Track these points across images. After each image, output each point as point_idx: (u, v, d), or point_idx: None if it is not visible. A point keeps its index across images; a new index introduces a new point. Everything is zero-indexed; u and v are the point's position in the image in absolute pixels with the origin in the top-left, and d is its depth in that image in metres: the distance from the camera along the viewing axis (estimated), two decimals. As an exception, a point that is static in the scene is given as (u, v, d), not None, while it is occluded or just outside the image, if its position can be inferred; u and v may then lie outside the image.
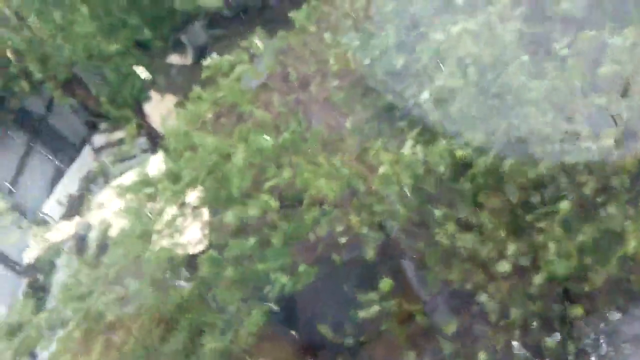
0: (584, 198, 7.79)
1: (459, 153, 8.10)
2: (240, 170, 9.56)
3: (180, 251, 10.10)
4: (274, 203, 9.40)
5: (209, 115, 10.48)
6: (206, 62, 10.88)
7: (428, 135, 8.40)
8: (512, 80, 7.66)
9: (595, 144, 7.24)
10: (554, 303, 8.48)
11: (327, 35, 9.16)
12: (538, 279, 8.19)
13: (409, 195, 8.67)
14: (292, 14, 9.79)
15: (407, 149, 8.51)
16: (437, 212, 8.71)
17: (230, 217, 9.47)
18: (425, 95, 7.98)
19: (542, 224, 8.04)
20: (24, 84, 14.41)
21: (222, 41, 14.60)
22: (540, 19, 7.47)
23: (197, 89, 11.17)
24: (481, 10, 7.85)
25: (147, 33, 14.14)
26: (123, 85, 14.46)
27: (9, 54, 13.82)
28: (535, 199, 8.14)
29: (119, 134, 14.80)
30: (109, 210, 12.22)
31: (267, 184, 9.57)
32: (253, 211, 9.39)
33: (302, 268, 9.61)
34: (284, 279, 9.57)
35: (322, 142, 9.55)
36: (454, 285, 9.06)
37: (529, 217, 8.12)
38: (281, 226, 9.54)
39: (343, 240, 9.48)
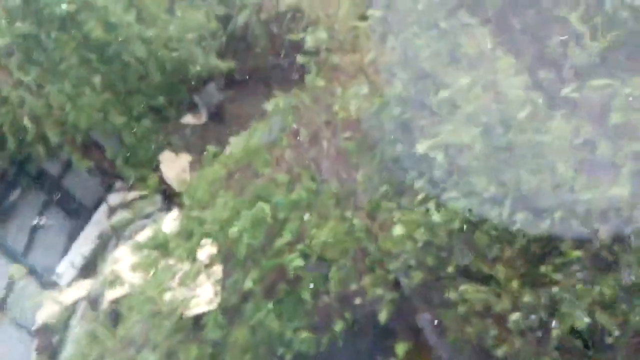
0: (600, 247, 7.64)
1: (473, 215, 8.03)
2: (254, 226, 9.56)
3: (191, 310, 10.01)
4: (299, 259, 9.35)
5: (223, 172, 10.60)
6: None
7: (438, 189, 8.34)
8: (522, 131, 7.64)
9: (606, 192, 7.15)
10: (574, 357, 8.22)
11: (339, 90, 9.27)
12: (555, 333, 7.98)
13: (423, 252, 8.56)
14: (301, 59, 9.89)
15: (418, 206, 8.45)
16: (450, 269, 8.58)
17: (249, 283, 9.41)
18: (433, 147, 7.97)
19: (557, 276, 7.89)
20: (41, 149, 14.73)
21: (234, 101, 14.89)
22: (546, 65, 7.48)
23: (211, 149, 11.37)
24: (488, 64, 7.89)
25: (160, 100, 14.59)
26: (139, 147, 14.76)
27: (26, 121, 14.16)
28: (550, 249, 8.01)
29: (134, 194, 14.95)
30: (122, 269, 12.23)
31: (281, 241, 9.52)
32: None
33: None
34: (305, 334, 9.42)
35: (334, 196, 9.53)
36: (473, 342, 8.84)
37: (543, 269, 7.97)
38: (307, 278, 9.43)
39: (357, 301, 9.34)
